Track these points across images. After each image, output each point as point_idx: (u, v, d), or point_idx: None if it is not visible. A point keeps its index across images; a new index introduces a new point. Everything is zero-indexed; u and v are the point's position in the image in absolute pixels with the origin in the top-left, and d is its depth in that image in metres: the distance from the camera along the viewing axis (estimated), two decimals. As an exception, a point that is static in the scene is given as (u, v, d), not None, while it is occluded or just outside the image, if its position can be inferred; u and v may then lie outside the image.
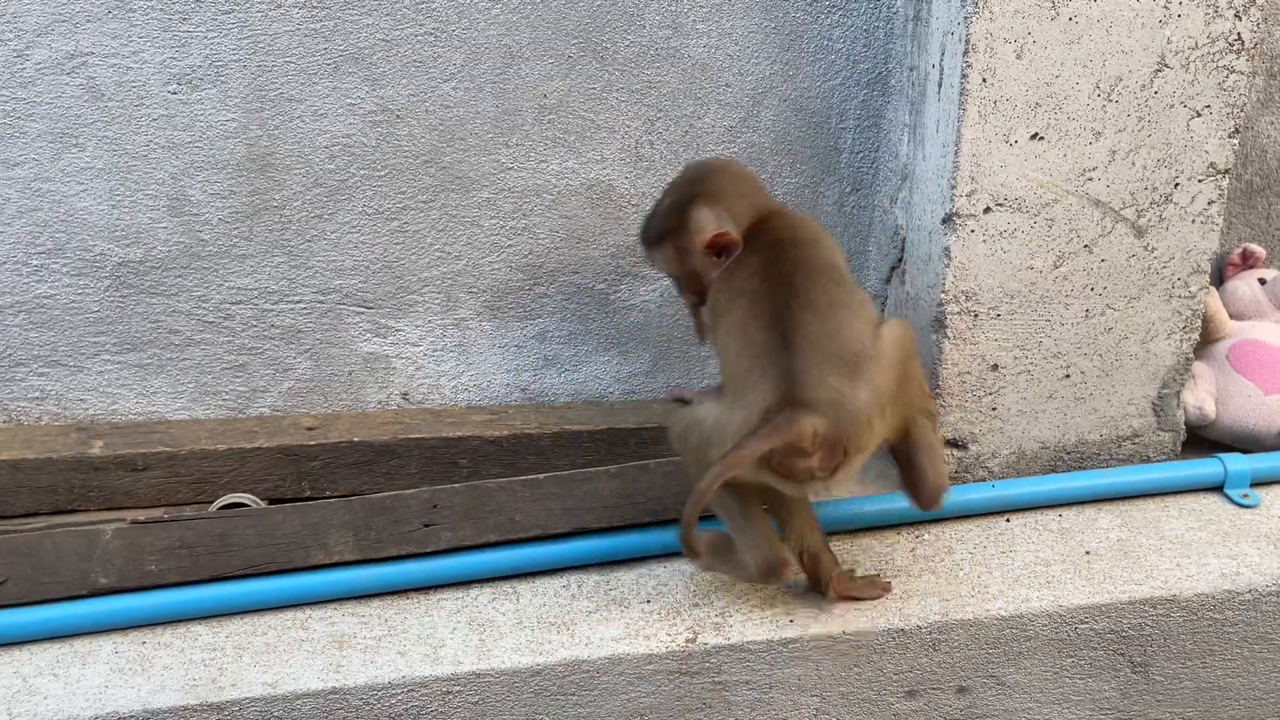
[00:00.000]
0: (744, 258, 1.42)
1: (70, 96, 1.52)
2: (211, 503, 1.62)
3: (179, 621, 1.45)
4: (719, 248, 1.43)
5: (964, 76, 1.48)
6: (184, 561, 1.46)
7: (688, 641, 1.44)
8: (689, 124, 1.70)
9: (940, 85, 1.55)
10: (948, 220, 1.56)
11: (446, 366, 1.77)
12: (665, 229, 1.46)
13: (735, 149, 1.72)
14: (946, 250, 1.57)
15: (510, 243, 1.71)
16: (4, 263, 1.57)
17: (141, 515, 1.53)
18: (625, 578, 1.56)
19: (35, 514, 1.59)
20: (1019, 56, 1.48)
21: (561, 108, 1.65)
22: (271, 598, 1.47)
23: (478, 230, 1.70)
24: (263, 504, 1.59)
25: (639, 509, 1.58)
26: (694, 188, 1.46)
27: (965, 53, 1.47)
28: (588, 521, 1.56)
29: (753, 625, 1.46)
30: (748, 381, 1.32)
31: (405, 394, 1.78)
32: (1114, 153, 1.55)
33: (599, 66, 1.64)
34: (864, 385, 1.31)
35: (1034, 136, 1.53)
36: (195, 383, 1.69)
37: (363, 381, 1.75)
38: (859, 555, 1.61)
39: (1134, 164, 1.57)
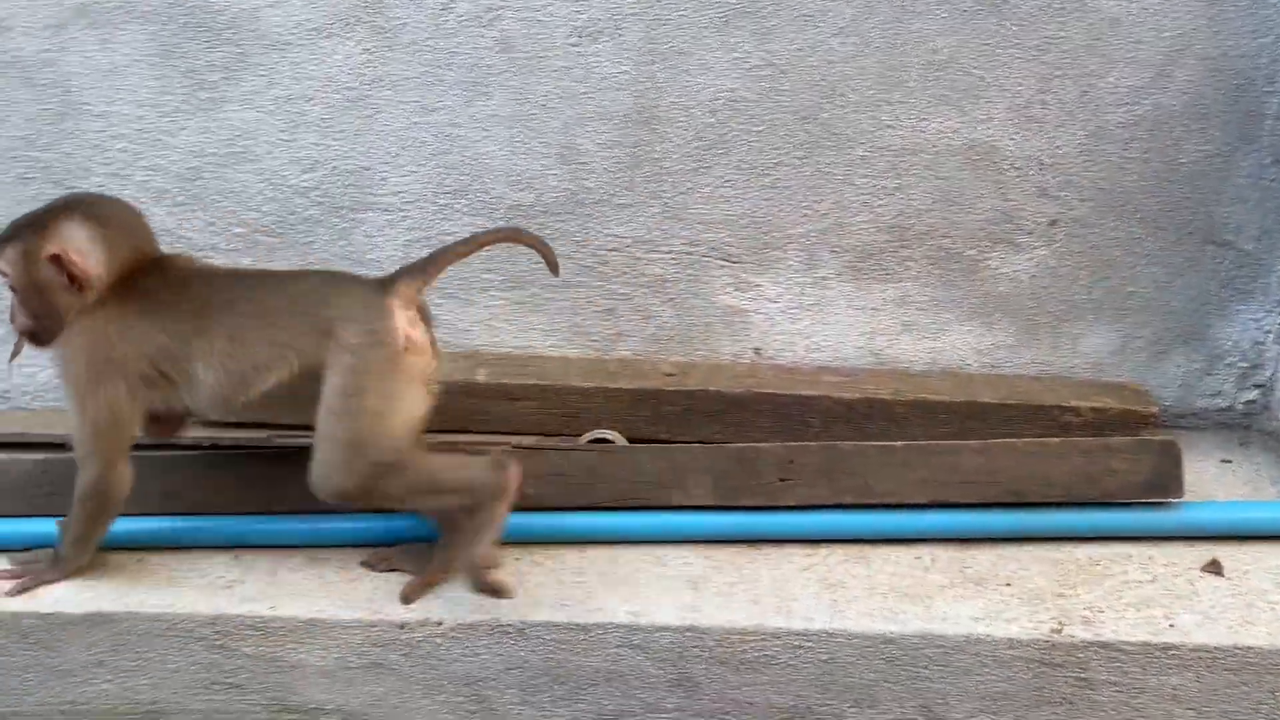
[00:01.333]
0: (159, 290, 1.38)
1: (484, 48, 1.63)
2: (577, 435, 1.72)
3: (552, 544, 1.55)
4: (72, 276, 1.33)
5: None
6: (558, 488, 1.56)
7: (1053, 631, 1.37)
8: (1089, 83, 1.58)
9: None
10: (1404, 199, 1.36)
11: (801, 325, 1.77)
12: (28, 225, 1.35)
13: (1140, 111, 1.58)
14: (1398, 233, 1.38)
15: (880, 202, 1.68)
16: (416, 200, 1.73)
17: (524, 441, 1.66)
18: (982, 557, 1.51)
19: (428, 431, 1.74)
20: None
21: (950, 64, 1.59)
22: (634, 532, 1.54)
23: (848, 188, 1.67)
24: (625, 442, 1.67)
25: (1001, 488, 1.51)
26: (68, 203, 1.39)
27: None
28: (946, 495, 1.52)
29: (1127, 624, 1.37)
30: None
31: (758, 349, 1.79)
32: None
33: (996, 21, 1.55)
34: None
35: None
36: (568, 323, 1.79)
37: (719, 333, 1.78)
38: (1251, 565, 1.46)
39: None
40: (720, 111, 1.64)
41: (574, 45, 1.62)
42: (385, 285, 1.37)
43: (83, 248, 1.34)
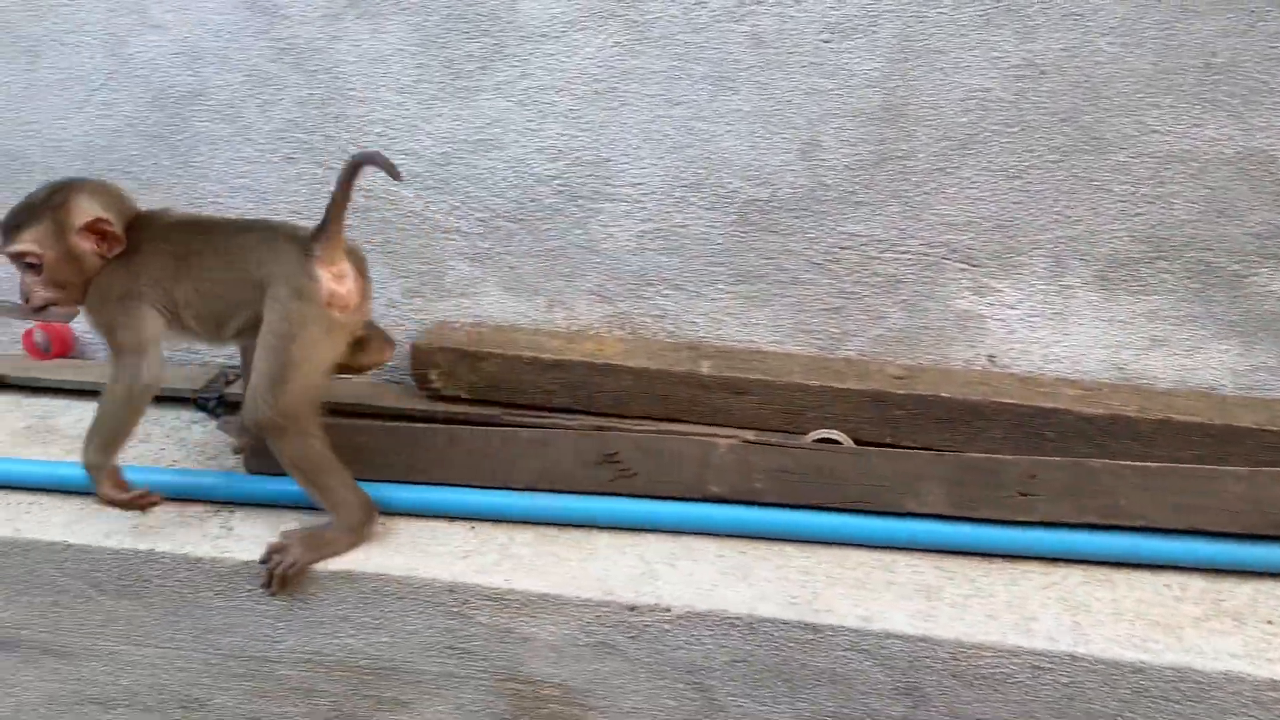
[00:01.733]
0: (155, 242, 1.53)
1: (734, 43, 1.64)
2: (798, 433, 1.71)
3: (775, 539, 1.55)
4: (101, 235, 1.49)
5: None
6: (785, 485, 1.56)
7: (1326, 678, 1.28)
8: (1391, 90, 1.46)
9: None
10: None
11: (1041, 334, 1.71)
12: (44, 207, 1.49)
13: None
14: None
15: (1139, 211, 1.60)
16: (653, 192, 1.75)
17: (747, 435, 1.67)
18: (1239, 591, 1.42)
19: (648, 417, 1.78)
20: None
21: (1231, 68, 1.50)
22: (864, 535, 1.52)
23: (1105, 195, 1.60)
24: (851, 443, 1.65)
25: (1267, 520, 1.42)
26: (71, 183, 1.53)
27: None
28: (1201, 522, 1.44)
29: None
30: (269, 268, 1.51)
31: (992, 356, 1.74)
32: None
33: (1289, 22, 1.46)
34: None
35: None
36: (793, 319, 1.79)
37: (952, 338, 1.74)
38: None
39: None
40: (973, 111, 1.60)
41: (825, 41, 1.61)
42: (309, 244, 1.50)
43: (107, 213, 1.52)
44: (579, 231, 1.80)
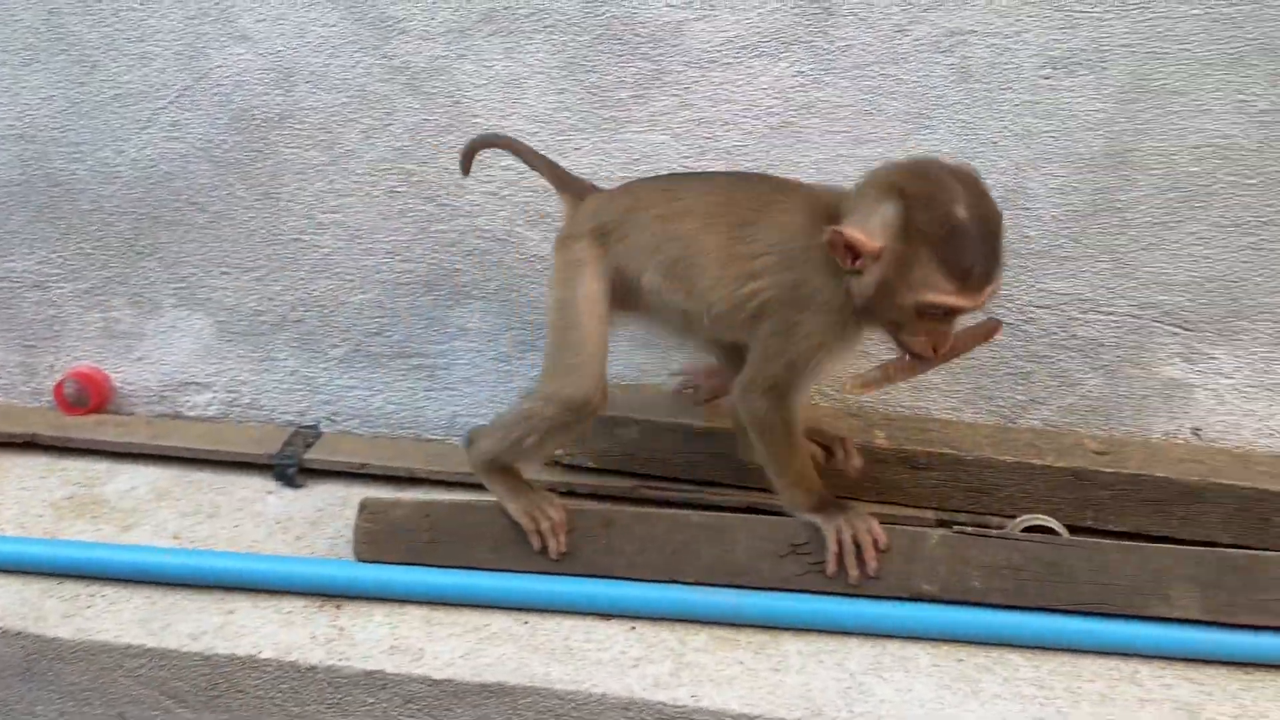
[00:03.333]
0: None
1: (937, 75, 1.45)
2: (989, 514, 1.52)
3: (992, 645, 1.36)
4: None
5: None
6: (1009, 583, 1.35)
7: None
8: None
9: None
10: None
11: (1256, 405, 1.54)
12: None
13: None
14: None
15: (1378, 273, 1.45)
16: (825, 240, 1.55)
17: (950, 521, 1.47)
18: None
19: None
20: None
21: None
22: (1102, 642, 1.33)
23: (1346, 255, 1.45)
24: (1064, 530, 1.46)
25: None
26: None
27: None
28: None
29: None
30: None
31: (1196, 429, 1.57)
32: None
33: None
34: None
35: None
36: (973, 384, 1.60)
37: (1154, 408, 1.57)
38: None
39: None
40: (1208, 160, 1.43)
41: (1045, 77, 1.43)
42: None
43: None
44: (731, 283, 1.60)
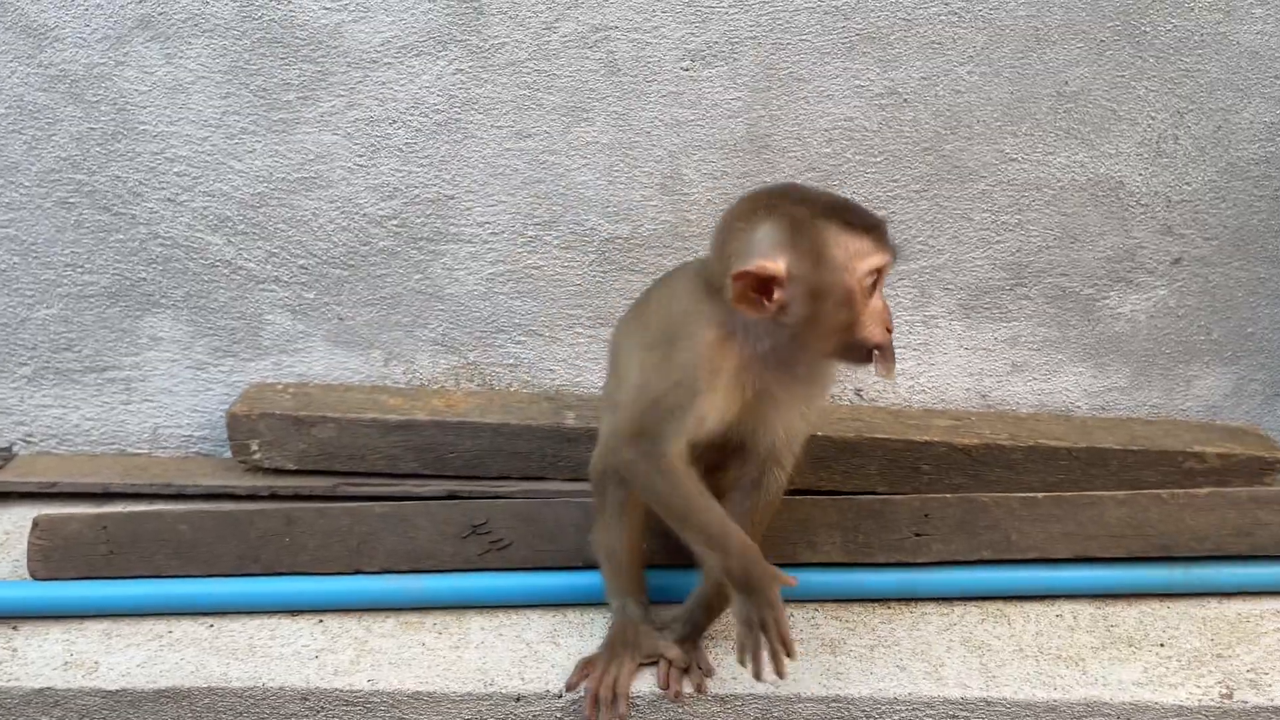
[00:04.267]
0: None
1: (588, 70, 1.52)
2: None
3: (672, 602, 1.44)
4: None
5: None
6: (672, 542, 1.44)
7: (1222, 697, 1.29)
8: (1224, 118, 1.52)
9: None
10: None
11: (907, 365, 1.68)
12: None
13: (1273, 148, 1.53)
14: None
15: (998, 239, 1.60)
16: (502, 231, 1.61)
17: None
18: (1126, 615, 1.43)
19: (507, 477, 1.62)
20: None
21: (1081, 96, 1.52)
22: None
23: (966, 224, 1.59)
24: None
25: (1147, 541, 1.44)
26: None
27: None
28: (1089, 549, 1.44)
29: (1300, 688, 1.30)
30: None
31: (859, 390, 1.70)
32: None
33: (1133, 52, 1.49)
34: None
35: None
36: (657, 362, 1.69)
37: (820, 373, 1.69)
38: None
39: None
40: (837, 141, 1.55)
41: (685, 69, 1.52)
42: None
43: None
44: (419, 276, 1.63)
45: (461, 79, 1.53)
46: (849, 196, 1.21)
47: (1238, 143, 1.53)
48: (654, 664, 1.33)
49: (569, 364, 1.69)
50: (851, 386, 1.70)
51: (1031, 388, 1.69)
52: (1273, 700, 1.28)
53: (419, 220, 1.60)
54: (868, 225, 1.13)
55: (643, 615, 1.36)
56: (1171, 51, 1.49)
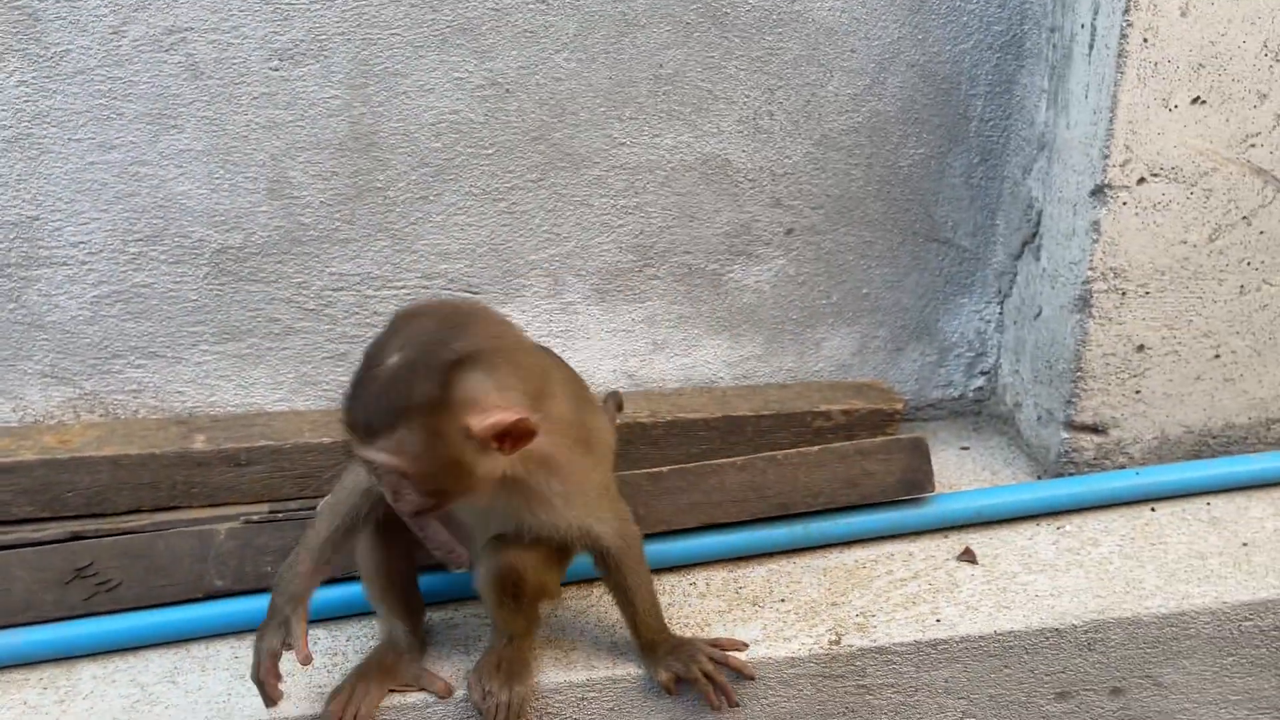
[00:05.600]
0: None
1: (169, 75, 1.44)
2: (318, 498, 1.55)
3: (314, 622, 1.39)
4: (513, 437, 1.05)
5: (1123, 36, 1.38)
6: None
7: (831, 643, 1.36)
8: (811, 92, 1.60)
9: (1092, 47, 1.45)
10: (1097, 192, 1.46)
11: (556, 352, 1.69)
12: (417, 399, 1.01)
13: (859, 118, 1.62)
14: (1095, 224, 1.47)
15: (620, 222, 1.63)
16: (100, 250, 1.50)
17: (253, 513, 1.48)
18: (755, 575, 1.49)
19: (137, 510, 1.52)
20: (1184, 14, 1.37)
21: (677, 78, 1.56)
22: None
23: (587, 210, 1.61)
24: (373, 499, 1.52)
25: (768, 503, 1.50)
26: (457, 342, 1.04)
27: (1126, 10, 1.36)
28: (716, 516, 1.49)
29: (898, 626, 1.38)
30: None
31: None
32: None
33: (718, 33, 1.54)
34: None
35: (1195, 100, 1.42)
36: (295, 372, 1.62)
37: (467, 369, 1.67)
38: (1000, 548, 1.52)
39: (1300, 129, 1.46)
40: (445, 135, 1.53)
41: (274, 69, 1.46)
42: None
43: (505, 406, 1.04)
44: (13, 305, 1.50)
45: (26, 91, 1.41)
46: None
47: (827, 115, 1.62)
48: (418, 690, 1.29)
49: (198, 384, 1.60)
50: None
51: (675, 364, 1.74)
52: (875, 641, 1.36)
53: (2, 246, 1.48)
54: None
55: (408, 641, 1.31)
56: (754, 31, 1.55)
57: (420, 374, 1.01)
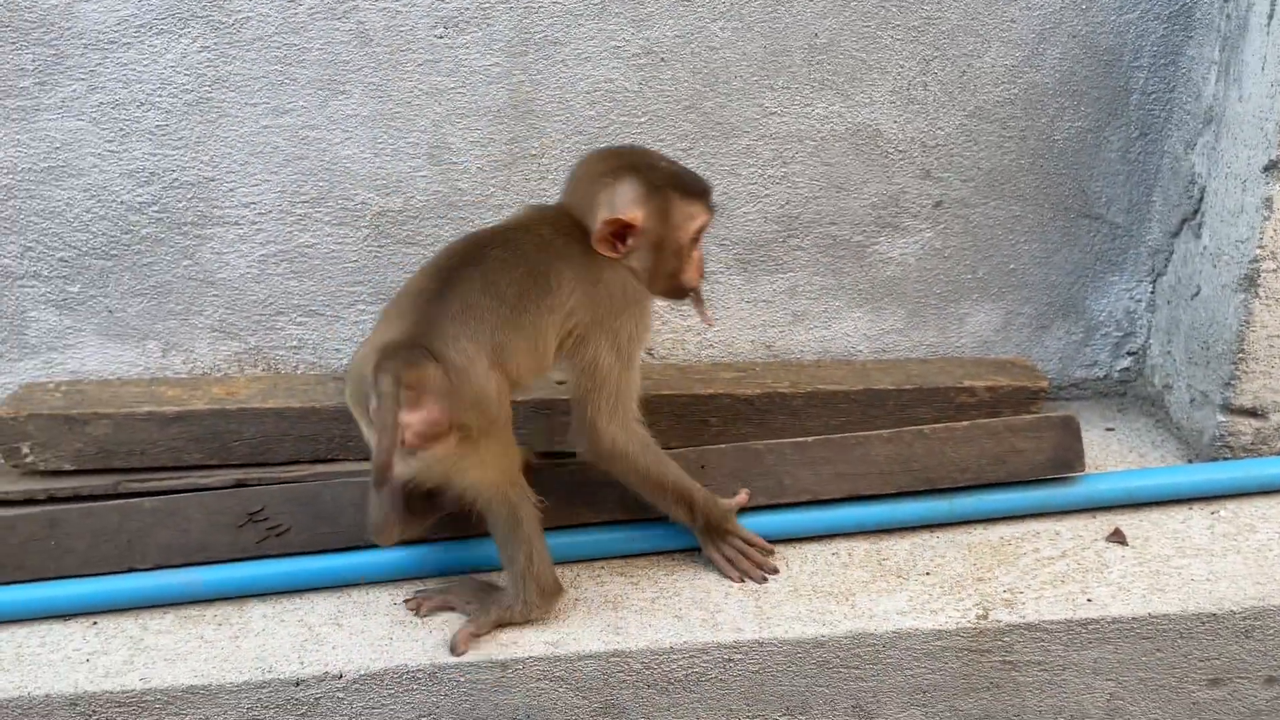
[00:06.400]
0: None
1: (340, 42, 1.49)
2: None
3: (451, 574, 1.44)
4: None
5: (1308, 5, 1.33)
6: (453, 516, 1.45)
7: (978, 618, 1.36)
8: (967, 63, 1.58)
9: (1271, 17, 1.39)
10: (1270, 168, 1.41)
11: (693, 321, 1.71)
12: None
13: (1015, 90, 1.59)
14: (1266, 201, 1.42)
15: (767, 192, 1.63)
16: (270, 211, 1.57)
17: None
18: (899, 547, 1.49)
19: (297, 461, 1.60)
20: (1376, -18, 1.31)
21: (832, 47, 1.55)
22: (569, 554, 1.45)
23: (734, 179, 1.62)
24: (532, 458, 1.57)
25: (913, 476, 1.49)
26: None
27: (1313, -21, 1.31)
28: (860, 487, 1.49)
29: (1047, 604, 1.37)
30: (387, 320, 1.27)
31: (650, 350, 1.72)
32: None
33: (876, 2, 1.53)
34: (497, 378, 1.23)
35: (1382, 73, 1.36)
36: (445, 334, 1.67)
37: (609, 335, 1.70)
38: (1150, 531, 1.49)
39: None
40: (600, 103, 1.56)
41: (439, 36, 1.50)
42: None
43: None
44: (188, 262, 1.58)
45: (208, 56, 1.48)
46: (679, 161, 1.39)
47: (982, 86, 1.59)
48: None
49: (354, 343, 1.66)
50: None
51: (813, 335, 1.74)
52: (1024, 618, 1.35)
53: (181, 205, 1.55)
54: (700, 191, 1.35)
55: None
56: (913, 0, 1.53)
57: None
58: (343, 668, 1.31)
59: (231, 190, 1.55)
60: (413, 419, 1.18)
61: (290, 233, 1.59)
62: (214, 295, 1.61)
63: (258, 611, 1.40)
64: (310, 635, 1.36)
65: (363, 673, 1.30)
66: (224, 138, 1.52)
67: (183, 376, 1.66)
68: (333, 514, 1.43)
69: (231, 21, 1.46)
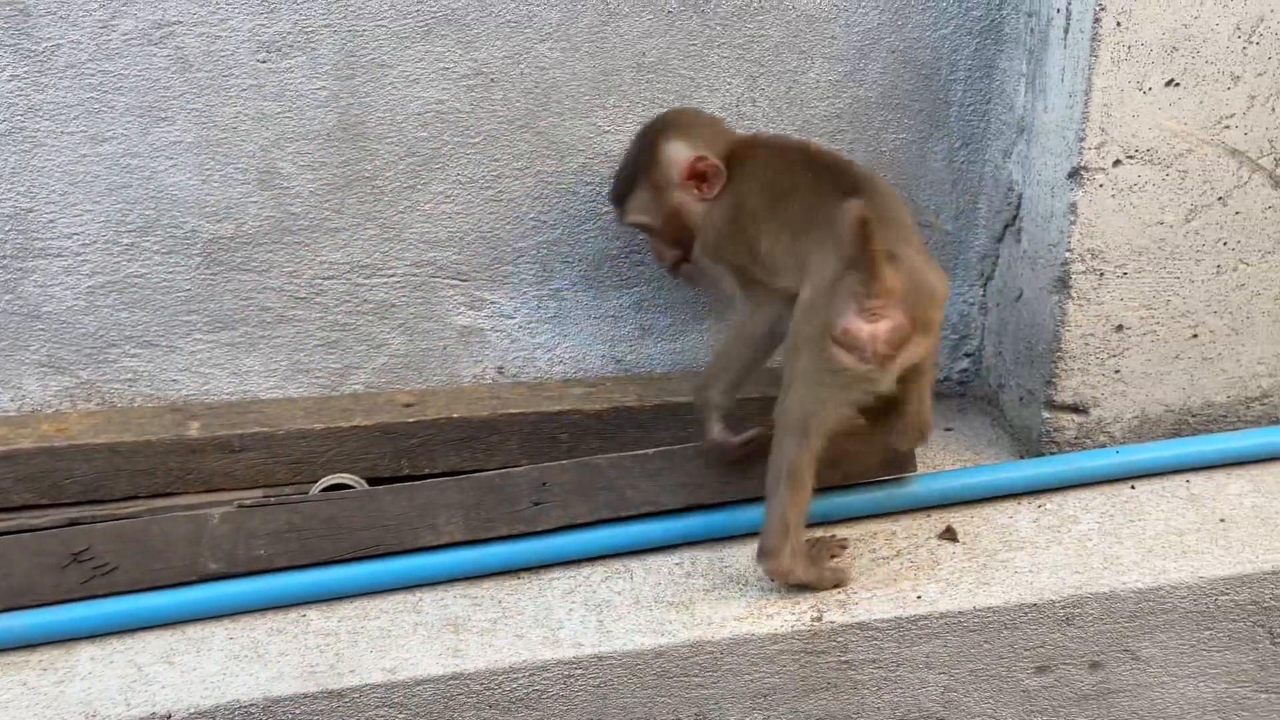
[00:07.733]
0: (749, 172, 1.45)
1: (158, 68, 1.46)
2: (311, 483, 1.58)
3: (291, 606, 1.42)
4: (701, 175, 1.46)
5: (1096, 20, 1.40)
6: (293, 545, 1.42)
7: (813, 620, 1.39)
8: (792, 79, 1.62)
9: (1067, 30, 1.46)
10: (1074, 174, 1.48)
11: (542, 339, 1.71)
12: (636, 170, 1.50)
13: (840, 104, 1.64)
14: (1072, 206, 1.49)
15: (607, 209, 1.65)
16: (94, 242, 1.53)
17: (246, 498, 1.51)
18: (740, 554, 1.51)
19: (134, 497, 1.56)
20: (1156, -3, 1.39)
21: (660, 66, 1.58)
22: (383, 580, 1.43)
23: (573, 197, 1.64)
24: (364, 484, 1.55)
25: (753, 482, 1.52)
26: (655, 130, 1.50)
27: (1099, -6, 1.38)
28: (700, 497, 1.51)
29: (879, 602, 1.41)
30: (820, 255, 1.31)
31: (500, 368, 1.73)
32: (1253, 98, 1.46)
33: (700, 21, 1.56)
34: (934, 271, 1.33)
35: (1169, 83, 1.44)
36: (288, 360, 1.65)
37: (457, 355, 1.70)
38: (981, 527, 1.55)
39: (1274, 110, 1.47)
40: (432, 124, 1.56)
41: (262, 61, 1.49)
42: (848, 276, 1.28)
43: (700, 150, 1.46)
44: (10, 296, 1.53)
45: (19, 85, 1.44)
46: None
47: (809, 101, 1.64)
48: None
49: (192, 372, 1.63)
50: (493, 366, 1.72)
51: (663, 348, 1.76)
52: (856, 618, 1.39)
53: (-2, 238, 1.51)
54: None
55: None
56: (735, 19, 1.57)
57: (636, 147, 1.51)
58: (171, 707, 1.28)
59: (52, 221, 1.51)
60: (880, 329, 1.26)
61: (118, 263, 1.55)
62: (40, 329, 1.56)
63: (86, 654, 1.36)
64: (139, 675, 1.32)
65: (192, 711, 1.27)
66: (40, 168, 1.48)
67: (11, 414, 1.60)
68: (162, 549, 1.40)
69: (41, 49, 1.43)
